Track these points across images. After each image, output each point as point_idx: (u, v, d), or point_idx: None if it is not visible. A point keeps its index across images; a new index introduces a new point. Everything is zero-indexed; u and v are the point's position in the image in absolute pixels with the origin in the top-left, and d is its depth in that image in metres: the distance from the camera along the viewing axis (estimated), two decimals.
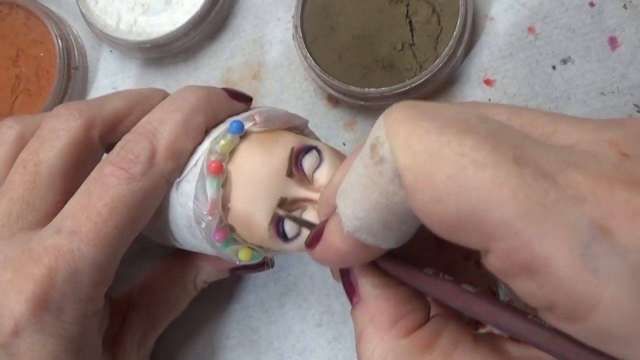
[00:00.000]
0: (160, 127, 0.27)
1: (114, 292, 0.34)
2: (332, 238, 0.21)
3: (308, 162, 0.28)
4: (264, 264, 0.32)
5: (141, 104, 0.30)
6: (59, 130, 0.28)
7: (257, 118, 0.28)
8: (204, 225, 0.28)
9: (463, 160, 0.16)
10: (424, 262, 0.21)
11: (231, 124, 0.28)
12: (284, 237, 0.28)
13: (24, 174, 0.28)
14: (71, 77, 0.42)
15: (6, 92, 0.41)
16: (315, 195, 0.28)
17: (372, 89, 0.36)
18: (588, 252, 0.15)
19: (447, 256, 0.25)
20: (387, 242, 0.19)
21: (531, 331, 0.17)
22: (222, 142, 0.27)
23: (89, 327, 0.28)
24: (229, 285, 0.38)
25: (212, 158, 0.27)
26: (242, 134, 0.28)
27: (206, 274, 0.34)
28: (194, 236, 0.29)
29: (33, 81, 0.41)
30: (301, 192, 0.28)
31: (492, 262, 0.17)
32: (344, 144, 0.39)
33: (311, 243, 0.22)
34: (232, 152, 0.28)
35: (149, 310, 0.34)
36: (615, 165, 0.16)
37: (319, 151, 0.29)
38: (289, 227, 0.28)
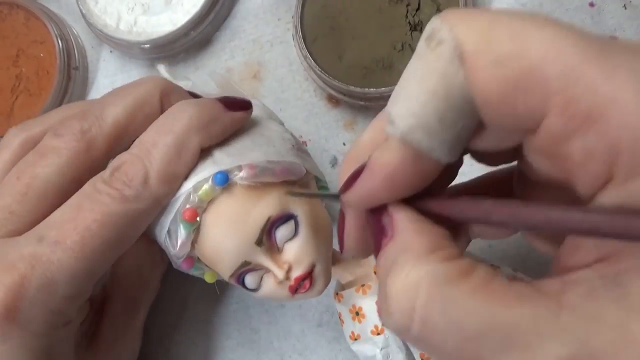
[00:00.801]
0: (153, 150, 0.27)
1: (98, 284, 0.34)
2: (380, 157, 0.19)
3: (281, 233, 0.27)
4: None
5: (141, 108, 0.29)
6: (60, 149, 0.28)
7: (244, 173, 0.27)
8: (171, 254, 0.29)
9: (524, 22, 0.17)
10: None
11: (215, 175, 0.27)
12: (243, 286, 0.28)
13: (16, 184, 0.27)
14: (71, 78, 0.42)
15: (6, 92, 0.41)
16: (277, 270, 0.27)
17: (372, 89, 0.36)
18: None
19: None
20: (442, 148, 0.18)
21: (589, 217, 0.16)
22: (202, 191, 0.27)
23: (59, 338, 0.27)
24: (229, 285, 0.38)
25: (190, 205, 0.27)
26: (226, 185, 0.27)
27: None
28: (167, 254, 0.30)
29: (33, 81, 0.41)
30: (265, 262, 0.27)
31: (549, 126, 0.16)
32: (344, 144, 0.39)
33: (349, 182, 0.20)
34: (212, 199, 0.27)
35: (127, 297, 0.33)
36: None
37: (296, 222, 0.28)
38: (250, 282, 0.28)
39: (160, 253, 0.34)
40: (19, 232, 0.27)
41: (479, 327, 0.16)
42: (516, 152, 0.19)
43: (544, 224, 0.17)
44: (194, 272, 0.30)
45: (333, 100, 0.39)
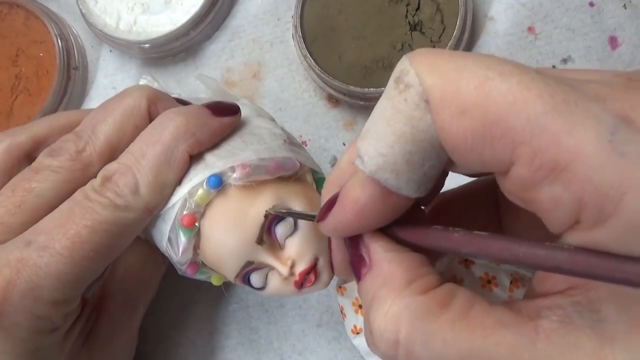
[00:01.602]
0: (142, 160, 0.27)
1: (88, 292, 0.34)
2: (350, 191, 0.20)
3: (281, 230, 0.27)
4: None
5: (130, 119, 0.29)
6: (56, 167, 0.28)
7: (237, 173, 0.27)
8: (174, 261, 0.29)
9: (489, 72, 0.17)
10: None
11: (209, 179, 0.27)
12: (250, 285, 0.28)
13: (11, 197, 0.28)
14: (71, 77, 0.42)
15: (6, 92, 0.41)
16: (281, 267, 0.27)
17: (372, 89, 0.36)
18: (615, 138, 0.15)
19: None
20: (409, 186, 0.19)
21: (552, 255, 0.17)
22: (197, 195, 0.27)
23: (46, 343, 0.27)
24: (229, 286, 0.38)
25: (187, 211, 0.27)
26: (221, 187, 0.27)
27: None
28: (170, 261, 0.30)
29: (33, 81, 0.41)
30: (268, 260, 0.27)
31: (516, 174, 0.17)
32: (344, 144, 0.39)
33: (324, 213, 0.21)
34: (208, 203, 0.27)
35: (126, 296, 0.33)
36: (624, 84, 0.17)
37: (295, 218, 0.28)
38: (255, 281, 0.28)
39: (162, 254, 0.34)
40: (7, 240, 0.27)
41: (460, 357, 0.17)
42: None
43: (512, 260, 0.18)
44: (200, 277, 0.30)
45: (333, 100, 0.39)
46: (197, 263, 0.29)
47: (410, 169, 0.19)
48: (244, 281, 0.28)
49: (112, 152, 0.29)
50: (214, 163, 0.28)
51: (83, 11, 0.41)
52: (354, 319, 0.31)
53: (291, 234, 0.28)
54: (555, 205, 0.17)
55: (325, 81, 0.37)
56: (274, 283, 0.28)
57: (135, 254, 0.34)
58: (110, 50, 0.43)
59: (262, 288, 0.29)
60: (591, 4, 0.37)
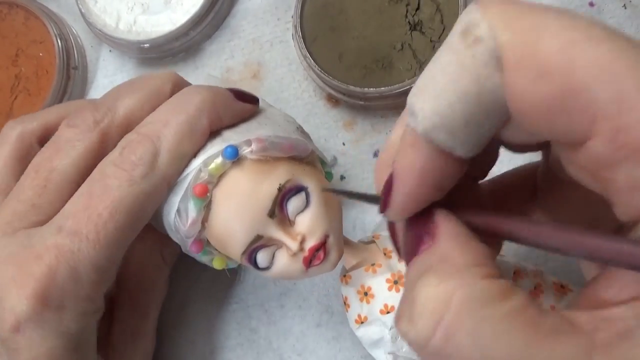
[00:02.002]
0: (164, 129, 0.27)
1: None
2: (403, 159, 0.18)
3: (293, 205, 0.27)
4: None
5: (153, 99, 0.30)
6: (74, 141, 0.28)
7: (254, 146, 0.27)
8: (180, 236, 0.28)
9: (576, 33, 0.15)
10: None
11: (225, 149, 0.27)
12: (255, 265, 0.28)
13: (35, 178, 0.28)
14: (70, 77, 0.42)
15: (6, 91, 0.41)
16: (290, 242, 0.27)
17: (371, 89, 0.36)
18: None
19: None
20: (464, 147, 0.17)
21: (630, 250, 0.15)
22: (213, 165, 0.27)
23: (88, 325, 0.28)
24: (229, 285, 0.38)
25: (200, 180, 0.27)
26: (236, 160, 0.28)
27: (172, 248, 0.34)
28: (176, 238, 0.30)
29: (32, 81, 0.41)
30: (278, 234, 0.27)
31: (592, 151, 0.15)
32: (344, 144, 0.39)
33: (386, 198, 0.19)
34: (222, 174, 0.28)
35: (132, 302, 0.34)
36: None
37: (307, 194, 0.28)
38: (262, 259, 0.28)
39: (162, 254, 0.34)
40: (41, 222, 0.28)
41: (508, 356, 0.15)
42: (545, 144, 0.19)
43: (610, 258, 0.16)
44: (203, 258, 0.30)
45: (332, 100, 0.39)
46: (202, 241, 0.29)
47: (468, 130, 0.17)
48: (249, 260, 0.28)
49: (131, 126, 0.29)
50: (230, 137, 0.28)
51: (83, 11, 0.41)
52: (359, 308, 0.31)
53: (302, 211, 0.28)
54: (636, 189, 0.15)
55: (325, 81, 0.37)
56: (282, 261, 0.28)
57: (134, 258, 0.34)
58: (110, 50, 0.43)
59: (267, 268, 0.28)
60: (591, 4, 0.37)
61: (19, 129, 0.31)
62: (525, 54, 0.15)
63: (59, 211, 0.28)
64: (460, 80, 0.16)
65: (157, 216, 0.30)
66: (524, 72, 0.15)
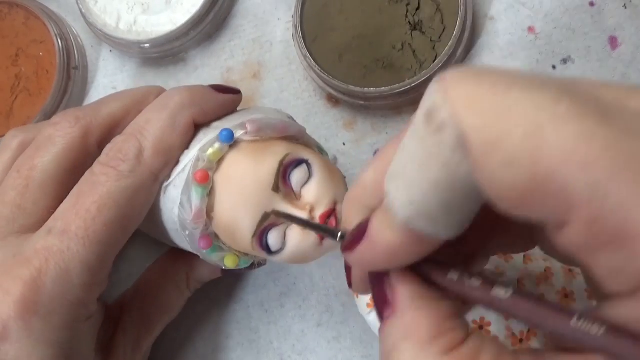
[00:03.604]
0: (147, 125, 0.28)
1: (110, 298, 0.34)
2: (381, 233, 0.18)
3: (296, 177, 0.27)
4: (252, 265, 0.31)
5: (137, 106, 0.30)
6: (55, 137, 0.29)
7: (248, 127, 0.28)
8: (188, 232, 0.28)
9: (541, 115, 0.14)
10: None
11: (221, 133, 0.27)
12: (267, 250, 0.28)
13: (17, 178, 0.28)
14: (71, 77, 0.42)
15: (6, 91, 0.41)
16: (300, 213, 0.27)
17: (372, 88, 0.36)
18: None
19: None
20: (448, 230, 0.17)
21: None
22: (211, 150, 0.27)
23: (80, 332, 0.27)
24: (229, 285, 0.38)
25: (199, 166, 0.27)
26: (232, 143, 0.28)
27: (199, 274, 0.34)
28: (182, 241, 0.29)
29: (33, 81, 0.41)
30: (286, 209, 0.27)
31: (570, 236, 0.15)
32: (344, 144, 0.39)
33: (350, 245, 0.19)
34: (220, 160, 0.28)
35: (142, 314, 0.33)
36: None
37: (309, 165, 0.28)
38: (273, 240, 0.27)
39: (187, 277, 0.34)
40: (31, 226, 0.27)
41: None
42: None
43: (559, 331, 0.16)
44: (213, 256, 0.29)
45: (333, 100, 0.39)
46: (210, 236, 0.28)
47: (448, 215, 0.16)
48: (260, 244, 0.27)
49: (114, 127, 0.30)
50: (222, 125, 0.29)
51: (83, 11, 0.41)
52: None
53: (307, 182, 0.28)
54: (614, 275, 0.15)
55: (325, 81, 0.37)
56: (294, 237, 0.27)
57: (157, 273, 0.34)
58: (110, 50, 0.43)
59: (280, 250, 0.28)
60: (591, 4, 0.37)
61: (20, 137, 0.31)
62: (490, 141, 0.15)
63: (44, 210, 0.28)
64: (430, 169, 0.16)
65: (158, 223, 0.29)
66: (490, 158, 0.15)
